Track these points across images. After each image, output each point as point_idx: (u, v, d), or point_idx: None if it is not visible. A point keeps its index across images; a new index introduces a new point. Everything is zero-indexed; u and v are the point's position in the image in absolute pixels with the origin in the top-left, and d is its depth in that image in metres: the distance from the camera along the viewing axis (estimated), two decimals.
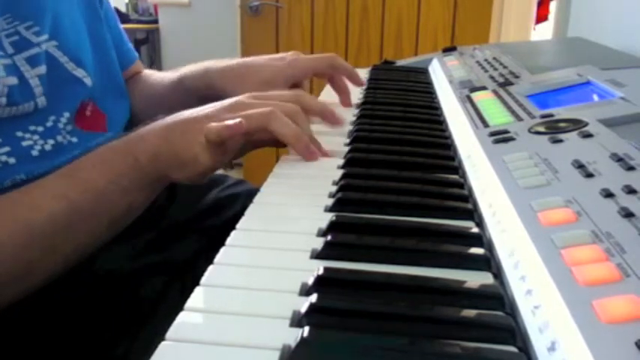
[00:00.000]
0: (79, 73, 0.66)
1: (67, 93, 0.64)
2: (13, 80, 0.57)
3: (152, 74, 0.87)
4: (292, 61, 0.74)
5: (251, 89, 0.65)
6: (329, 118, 0.63)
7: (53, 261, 0.49)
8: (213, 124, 0.52)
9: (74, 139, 0.64)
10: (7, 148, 0.56)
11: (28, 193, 0.49)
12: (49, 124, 0.61)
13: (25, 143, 0.58)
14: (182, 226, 0.73)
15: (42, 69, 0.61)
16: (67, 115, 0.64)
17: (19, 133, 0.58)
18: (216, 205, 0.78)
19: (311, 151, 0.57)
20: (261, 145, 0.61)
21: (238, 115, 0.53)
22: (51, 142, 0.61)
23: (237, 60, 0.77)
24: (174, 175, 0.53)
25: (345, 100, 0.82)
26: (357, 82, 0.83)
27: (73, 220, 0.49)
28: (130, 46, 0.85)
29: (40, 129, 0.60)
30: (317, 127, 0.65)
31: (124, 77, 0.80)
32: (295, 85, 0.77)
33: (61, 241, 0.49)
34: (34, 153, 0.59)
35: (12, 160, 0.57)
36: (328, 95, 0.86)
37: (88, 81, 0.67)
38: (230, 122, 0.51)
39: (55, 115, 0.62)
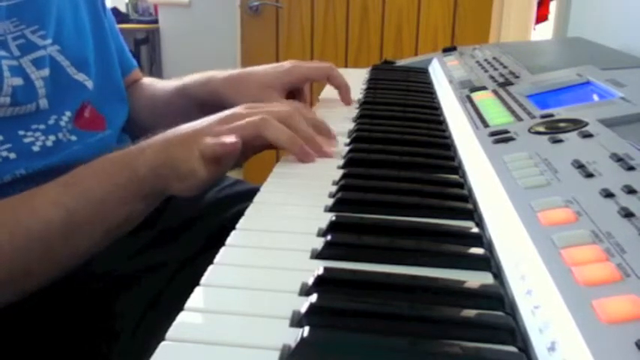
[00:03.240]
0: (80, 77, 0.68)
1: (69, 95, 0.66)
2: (19, 81, 0.58)
3: (154, 82, 0.88)
4: (290, 68, 0.77)
5: (250, 94, 0.68)
6: (323, 134, 0.63)
7: (50, 265, 0.50)
8: (210, 140, 0.52)
9: (73, 138, 0.65)
10: (8, 145, 0.57)
11: (29, 198, 0.50)
12: (51, 122, 0.63)
13: (26, 140, 0.59)
14: (179, 227, 0.73)
15: (46, 71, 0.62)
16: (68, 114, 0.65)
17: (21, 132, 0.59)
18: (213, 205, 0.79)
19: (306, 153, 0.57)
20: (259, 150, 0.61)
21: (233, 126, 0.54)
22: (52, 138, 0.62)
23: (238, 70, 0.80)
24: (173, 187, 0.54)
25: (344, 97, 0.83)
26: (346, 98, 0.83)
27: (71, 227, 0.50)
28: (129, 54, 0.87)
29: (42, 127, 0.61)
30: None
31: (124, 84, 0.81)
32: (294, 91, 0.80)
33: (58, 247, 0.50)
34: (35, 149, 0.60)
35: (12, 156, 0.58)
36: (329, 93, 0.87)
37: (89, 84, 0.69)
38: (226, 140, 0.52)
39: (56, 114, 0.63)
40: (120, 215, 0.53)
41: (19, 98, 0.58)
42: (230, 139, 0.52)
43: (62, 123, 0.63)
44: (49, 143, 0.61)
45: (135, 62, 0.88)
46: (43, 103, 0.61)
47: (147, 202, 0.55)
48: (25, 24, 0.62)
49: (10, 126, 0.58)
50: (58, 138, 0.62)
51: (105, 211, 0.52)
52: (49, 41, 0.64)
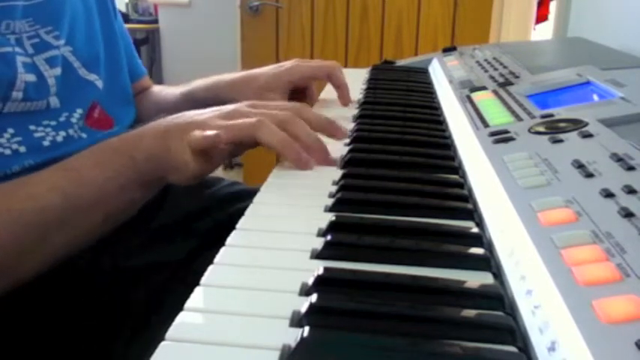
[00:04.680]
0: (91, 77, 0.69)
1: (79, 94, 0.67)
2: (32, 77, 0.59)
3: (163, 89, 0.90)
4: (290, 68, 0.79)
5: (251, 94, 0.69)
6: (330, 130, 0.62)
7: (43, 252, 0.50)
8: (197, 132, 0.52)
9: (84, 135, 0.65)
10: (18, 138, 0.58)
11: (25, 184, 0.50)
12: (62, 119, 0.63)
13: (37, 135, 0.60)
14: (176, 227, 0.74)
15: (58, 70, 0.63)
16: (79, 111, 0.66)
17: (32, 127, 0.60)
18: (210, 206, 0.79)
19: (303, 160, 0.55)
20: (253, 146, 0.61)
21: (230, 124, 0.53)
22: (62, 134, 0.62)
23: (242, 73, 0.82)
24: (169, 176, 0.54)
25: (343, 96, 0.83)
26: (345, 99, 0.83)
27: (67, 213, 0.50)
28: (139, 61, 0.89)
29: (53, 123, 0.62)
30: None
31: (133, 91, 0.82)
32: (297, 90, 0.81)
33: (53, 233, 0.50)
34: (45, 144, 0.61)
35: (22, 149, 0.58)
36: (330, 93, 0.87)
37: (99, 84, 0.70)
38: (208, 133, 0.51)
39: (68, 111, 0.64)
40: (118, 201, 0.53)
41: (31, 94, 0.59)
42: (211, 131, 0.52)
43: (73, 120, 0.64)
44: (59, 139, 0.62)
45: (144, 69, 0.90)
46: (54, 101, 0.62)
47: (145, 188, 0.55)
48: (40, 24, 0.63)
49: (21, 120, 0.59)
50: (68, 134, 0.63)
51: (103, 197, 0.52)
52: (62, 42, 0.65)
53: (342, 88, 0.83)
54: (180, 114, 0.56)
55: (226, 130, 0.52)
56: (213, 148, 0.52)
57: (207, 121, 0.54)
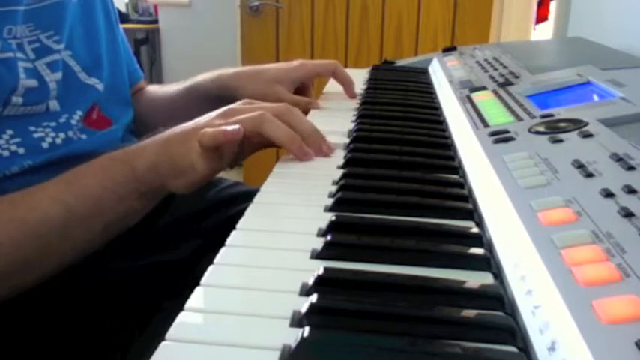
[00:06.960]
0: (91, 81, 0.69)
1: (80, 97, 0.67)
2: (33, 83, 0.60)
3: (160, 87, 0.91)
4: (298, 65, 0.83)
5: (258, 87, 0.71)
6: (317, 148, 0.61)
7: (47, 260, 0.51)
8: (208, 129, 0.52)
9: (83, 136, 0.66)
10: (17, 140, 0.58)
11: (28, 194, 0.51)
12: (62, 120, 0.64)
13: (36, 136, 0.60)
14: (178, 228, 0.74)
15: (59, 74, 0.63)
16: (79, 113, 0.66)
17: (32, 128, 0.60)
18: (212, 206, 0.79)
19: (304, 152, 0.57)
20: (258, 148, 0.61)
21: (231, 121, 0.54)
22: (62, 135, 0.63)
23: (249, 66, 0.85)
24: (172, 184, 0.54)
25: (349, 91, 0.87)
26: (351, 93, 0.88)
27: (69, 223, 0.51)
28: (137, 66, 0.90)
29: (53, 124, 0.62)
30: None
31: (130, 91, 0.82)
32: (300, 89, 0.84)
33: (56, 242, 0.50)
34: (45, 145, 0.61)
35: (21, 151, 0.59)
36: (333, 87, 0.88)
37: (100, 87, 0.70)
38: (228, 128, 0.52)
39: (68, 113, 0.64)
40: (118, 212, 0.53)
41: (31, 99, 0.60)
42: (231, 127, 0.52)
43: (73, 122, 0.65)
44: (58, 141, 0.62)
45: (142, 73, 0.91)
46: (54, 104, 0.63)
47: (145, 199, 0.55)
48: (41, 29, 0.63)
49: (20, 122, 0.59)
50: (68, 136, 0.63)
51: (103, 208, 0.52)
52: (62, 46, 0.65)
53: (347, 83, 0.87)
54: (179, 125, 0.56)
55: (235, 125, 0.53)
56: (228, 143, 0.52)
57: (209, 122, 0.55)
